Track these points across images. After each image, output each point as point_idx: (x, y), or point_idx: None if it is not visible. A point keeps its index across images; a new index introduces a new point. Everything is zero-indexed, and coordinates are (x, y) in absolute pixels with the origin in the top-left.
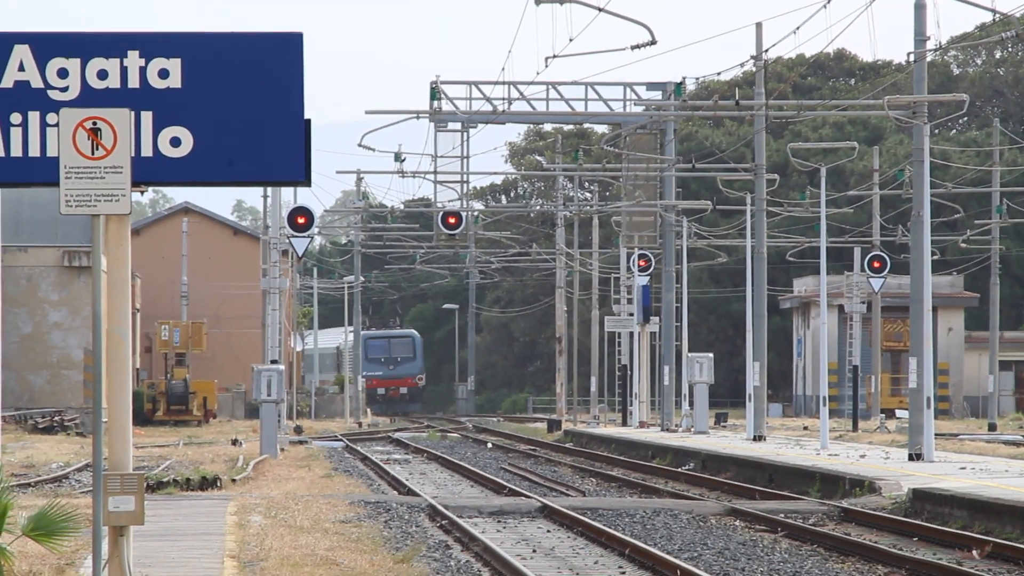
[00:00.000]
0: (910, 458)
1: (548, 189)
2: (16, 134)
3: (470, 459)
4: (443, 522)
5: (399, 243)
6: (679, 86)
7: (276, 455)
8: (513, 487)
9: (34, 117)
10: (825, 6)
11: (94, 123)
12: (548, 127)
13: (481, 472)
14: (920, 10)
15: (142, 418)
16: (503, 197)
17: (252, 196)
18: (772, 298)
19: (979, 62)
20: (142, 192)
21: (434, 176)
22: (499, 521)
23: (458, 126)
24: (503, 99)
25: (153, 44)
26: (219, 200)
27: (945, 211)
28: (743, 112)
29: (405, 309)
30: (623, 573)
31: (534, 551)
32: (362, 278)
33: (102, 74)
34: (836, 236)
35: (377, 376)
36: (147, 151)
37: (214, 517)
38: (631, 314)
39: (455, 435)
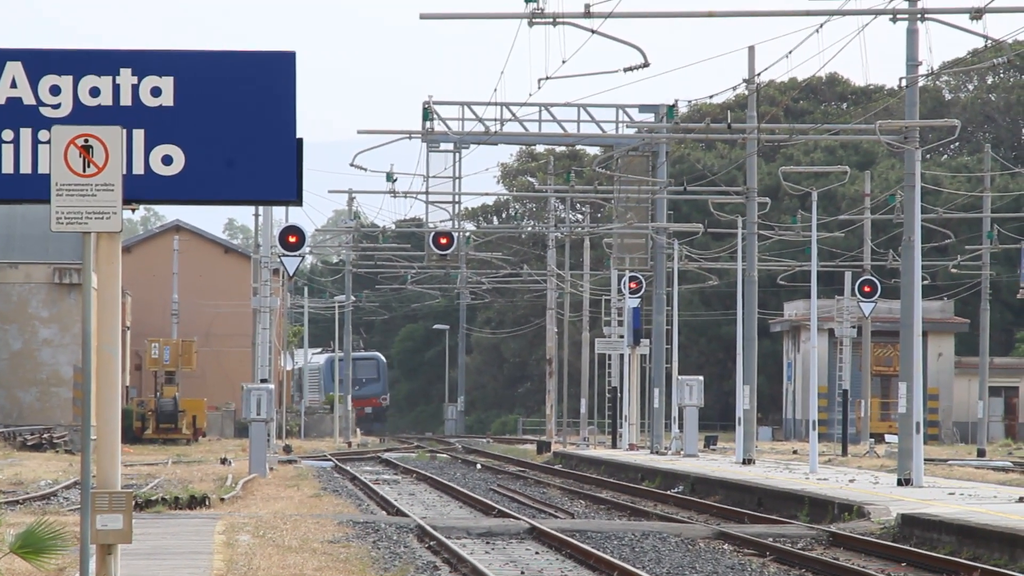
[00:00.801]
0: (899, 483)
1: (540, 210)
2: (8, 151)
3: (459, 480)
4: (431, 543)
5: (390, 263)
6: (671, 108)
7: (265, 474)
8: (502, 508)
9: (26, 134)
10: (817, 30)
11: (86, 140)
12: (540, 148)
13: (470, 493)
14: (912, 35)
15: (131, 436)
16: (495, 218)
17: (243, 215)
18: (762, 321)
19: (971, 88)
20: (133, 210)
21: (426, 196)
22: (488, 542)
23: (450, 146)
24: (495, 120)
25: (146, 62)
26: (210, 218)
27: (936, 236)
28: (735, 135)
29: (395, 329)
30: None
31: (522, 573)
32: (353, 298)
33: (94, 91)
34: (827, 260)
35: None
36: (139, 169)
37: (202, 536)
38: (622, 336)
39: (444, 456)
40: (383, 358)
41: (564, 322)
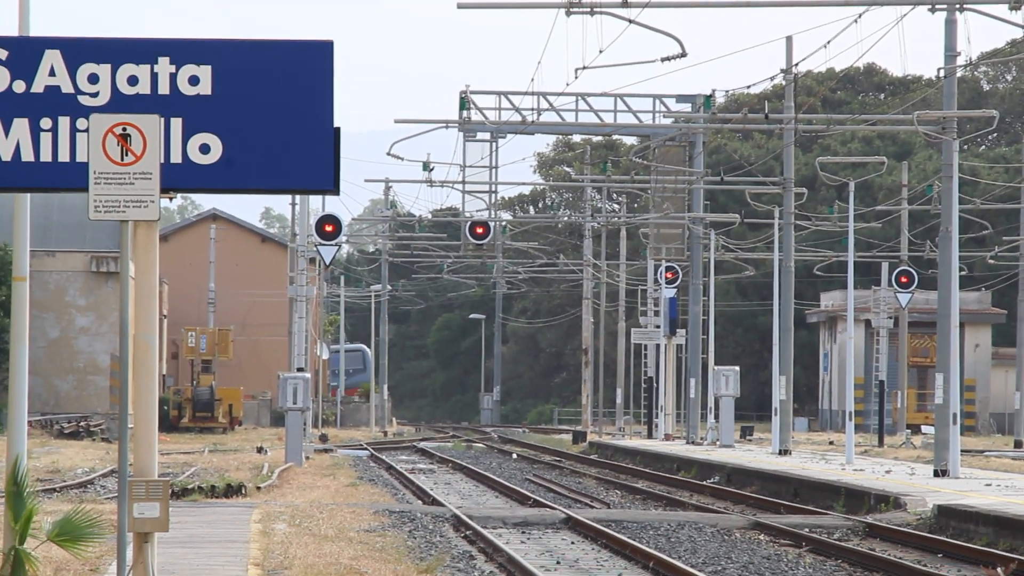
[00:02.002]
0: (935, 474)
1: (576, 200)
2: (46, 139)
3: (495, 470)
4: (467, 532)
5: (426, 252)
6: (708, 99)
7: (301, 463)
8: (538, 498)
9: (64, 122)
10: (856, 21)
11: (124, 129)
12: (577, 138)
13: (506, 483)
14: (950, 26)
15: (168, 424)
16: (531, 208)
17: (280, 204)
18: (799, 312)
19: (1009, 78)
20: (171, 198)
21: (462, 186)
22: (523, 532)
23: (487, 136)
24: (532, 109)
25: (183, 51)
26: (247, 207)
27: (973, 227)
28: (772, 125)
29: (432, 318)
30: None
31: (558, 563)
32: (389, 287)
33: (132, 80)
34: (864, 251)
35: (334, 386)
36: (176, 157)
37: (238, 524)
38: (658, 326)
39: (480, 445)
40: (368, 350)
41: (600, 312)
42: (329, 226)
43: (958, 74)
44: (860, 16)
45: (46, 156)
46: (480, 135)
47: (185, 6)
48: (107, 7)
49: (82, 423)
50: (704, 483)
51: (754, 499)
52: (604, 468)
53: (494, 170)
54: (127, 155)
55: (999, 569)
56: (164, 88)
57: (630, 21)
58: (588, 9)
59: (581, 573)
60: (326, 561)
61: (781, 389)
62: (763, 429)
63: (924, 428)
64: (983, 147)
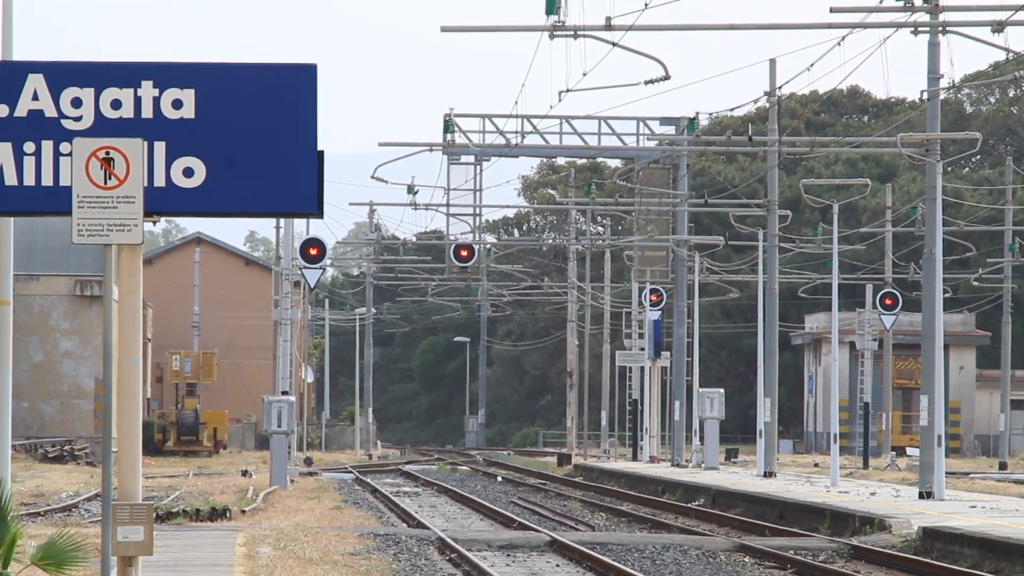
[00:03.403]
0: (920, 496)
1: (560, 223)
2: (29, 163)
3: (480, 492)
4: (452, 555)
5: (411, 275)
6: (692, 121)
7: (286, 486)
8: (523, 521)
9: (47, 146)
10: (839, 43)
11: (107, 153)
12: (561, 161)
13: (491, 505)
14: (934, 48)
15: (152, 448)
16: (515, 230)
17: (265, 227)
18: (783, 334)
19: (992, 100)
20: (154, 222)
21: (447, 209)
22: (508, 555)
23: (471, 159)
24: (516, 132)
25: (167, 74)
26: (231, 230)
27: (957, 249)
28: (756, 148)
29: (416, 341)
30: None
31: None
32: (374, 310)
33: (116, 104)
34: (848, 273)
35: None
36: (160, 181)
37: (223, 548)
38: (642, 349)
39: (465, 468)
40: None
41: (585, 335)
42: (313, 249)
43: (941, 96)
44: (843, 39)
45: (29, 180)
46: (464, 158)
47: (168, 27)
48: (93, 26)
49: (66, 447)
50: (689, 505)
51: (739, 521)
52: (589, 491)
53: (478, 193)
54: (110, 179)
55: None
56: (147, 112)
57: (614, 44)
58: (572, 32)
59: None
60: None
61: (766, 411)
62: (748, 451)
63: (909, 450)
64: (967, 169)
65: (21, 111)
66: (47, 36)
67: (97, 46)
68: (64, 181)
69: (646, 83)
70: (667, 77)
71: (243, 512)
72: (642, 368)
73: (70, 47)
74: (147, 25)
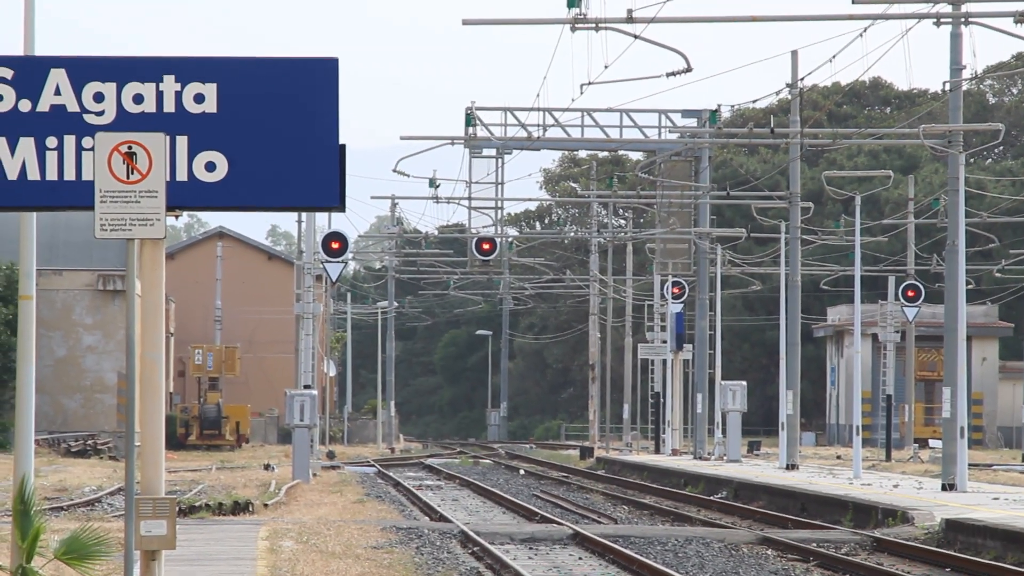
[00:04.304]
0: (943, 488)
1: (582, 216)
2: (52, 158)
3: (502, 486)
4: (475, 548)
5: (433, 269)
6: (714, 113)
7: (308, 480)
8: (545, 514)
9: (70, 141)
10: (861, 35)
11: (129, 147)
12: (583, 154)
13: (513, 499)
14: (956, 39)
15: (175, 442)
16: (537, 223)
17: (286, 221)
18: (806, 326)
19: (1015, 91)
20: (177, 216)
21: (468, 202)
22: (531, 548)
23: (493, 152)
24: (538, 125)
25: (189, 69)
26: (253, 225)
27: (980, 240)
28: (778, 140)
29: (438, 335)
30: None
31: None
32: (396, 304)
33: (138, 98)
34: (870, 265)
35: None
36: (182, 175)
37: (246, 542)
38: (664, 341)
39: (487, 461)
40: None
41: (607, 327)
42: (335, 243)
43: (964, 87)
44: (865, 30)
45: (52, 175)
46: (486, 151)
47: (190, 22)
48: (113, 21)
49: (89, 441)
50: (711, 498)
51: (761, 514)
52: (611, 483)
53: (500, 186)
54: (133, 173)
55: None
56: (170, 106)
57: (635, 36)
58: (593, 25)
59: None
60: None
61: (788, 404)
62: (770, 444)
63: (931, 442)
64: (989, 160)
65: (44, 106)
66: (56, 29)
67: (106, 38)
68: (87, 176)
69: (668, 75)
70: (689, 69)
71: (265, 506)
72: (664, 361)
73: (81, 40)
74: (167, 20)
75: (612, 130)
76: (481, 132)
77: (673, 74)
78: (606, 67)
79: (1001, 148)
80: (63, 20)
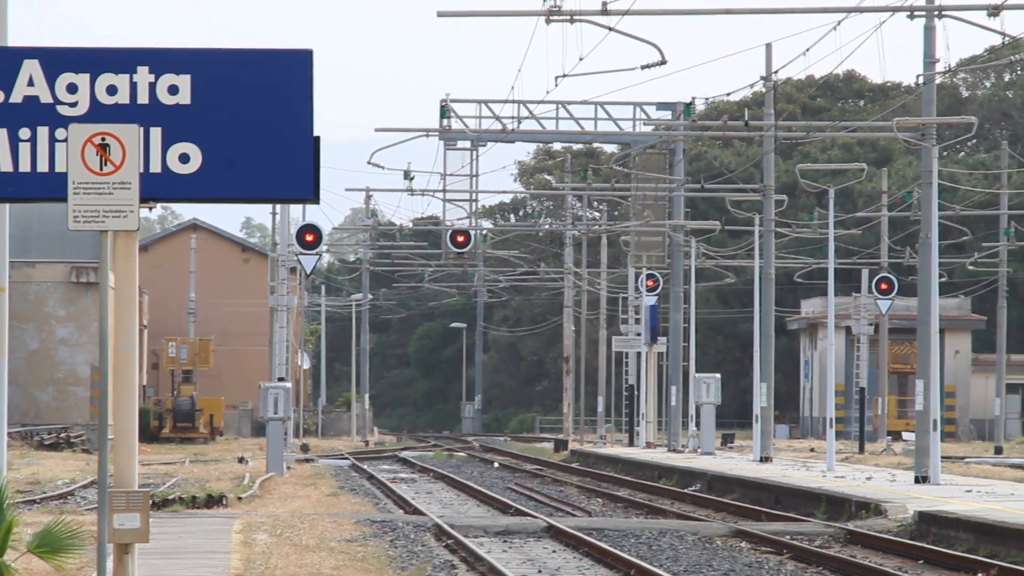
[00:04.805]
0: (916, 480)
1: (557, 208)
2: (25, 149)
3: (476, 478)
4: (449, 541)
5: (407, 261)
6: (688, 106)
7: (282, 473)
8: (519, 507)
9: (43, 132)
10: (835, 28)
11: (103, 139)
12: (557, 146)
13: (487, 491)
14: (929, 32)
15: (148, 435)
16: (512, 216)
17: (260, 213)
18: (779, 319)
19: (988, 85)
20: (150, 208)
21: (443, 194)
22: (505, 541)
23: (467, 144)
24: (512, 118)
25: (163, 60)
26: (227, 217)
27: (953, 233)
28: (752, 133)
29: (413, 327)
30: None
31: (540, 571)
32: (370, 296)
33: (111, 89)
34: (844, 257)
35: None
36: (156, 167)
37: (219, 535)
38: (639, 334)
39: (461, 454)
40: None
41: (581, 320)
42: (309, 235)
43: (937, 81)
44: (839, 23)
45: (25, 166)
46: (460, 143)
47: (162, 10)
48: (90, 8)
49: (62, 434)
50: (685, 491)
51: (735, 506)
52: (586, 476)
53: (475, 178)
54: (106, 165)
55: (979, 575)
56: (143, 97)
57: (610, 29)
58: (568, 17)
59: None
60: (307, 571)
61: (762, 396)
62: (744, 436)
63: (905, 435)
64: (962, 153)
65: (16, 97)
66: (29, 13)
67: (79, 21)
68: (60, 167)
69: (642, 68)
70: (663, 62)
71: (240, 499)
72: (638, 354)
73: (55, 25)
74: (140, 11)
75: (587, 122)
76: (456, 124)
77: (647, 66)
78: (581, 59)
79: (974, 141)
80: (35, 4)
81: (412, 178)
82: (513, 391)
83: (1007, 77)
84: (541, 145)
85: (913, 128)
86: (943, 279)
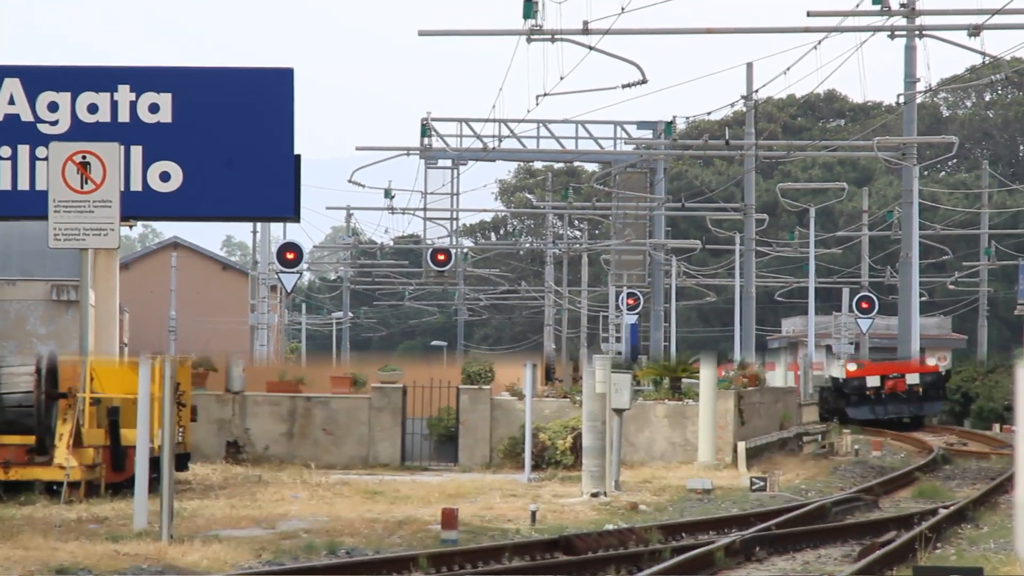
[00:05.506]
0: None
1: (538, 227)
2: (5, 167)
3: None
4: None
5: (388, 279)
6: (669, 125)
7: None
8: None
9: (24, 150)
10: (816, 47)
11: (84, 157)
12: (538, 165)
13: None
14: (910, 52)
15: None
16: (492, 234)
17: (242, 231)
18: (760, 338)
19: (969, 104)
20: (131, 226)
21: (424, 213)
22: None
23: (448, 163)
24: (494, 136)
25: (144, 78)
26: (208, 235)
27: (934, 252)
28: (733, 152)
29: (393, 345)
30: None
31: None
32: (351, 314)
33: (92, 108)
34: (824, 276)
35: None
36: (136, 185)
37: None
38: (619, 352)
39: None
40: None
41: (562, 338)
42: (290, 253)
43: (918, 100)
44: (820, 43)
45: (5, 184)
46: (441, 162)
47: (138, 23)
48: (72, 25)
49: None
50: None
51: None
52: None
53: (455, 197)
54: (87, 183)
55: None
56: (124, 116)
57: (591, 48)
58: (549, 36)
59: None
60: None
61: None
62: None
63: None
64: (943, 173)
65: None
66: (12, 30)
67: (63, 38)
68: (40, 185)
69: (623, 87)
70: (644, 81)
71: None
72: None
73: (36, 41)
74: (112, 18)
75: (568, 141)
76: (437, 143)
77: (628, 85)
78: (562, 78)
79: (955, 161)
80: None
81: (393, 196)
82: None
83: (988, 97)
84: (522, 164)
85: (894, 147)
86: (924, 298)
